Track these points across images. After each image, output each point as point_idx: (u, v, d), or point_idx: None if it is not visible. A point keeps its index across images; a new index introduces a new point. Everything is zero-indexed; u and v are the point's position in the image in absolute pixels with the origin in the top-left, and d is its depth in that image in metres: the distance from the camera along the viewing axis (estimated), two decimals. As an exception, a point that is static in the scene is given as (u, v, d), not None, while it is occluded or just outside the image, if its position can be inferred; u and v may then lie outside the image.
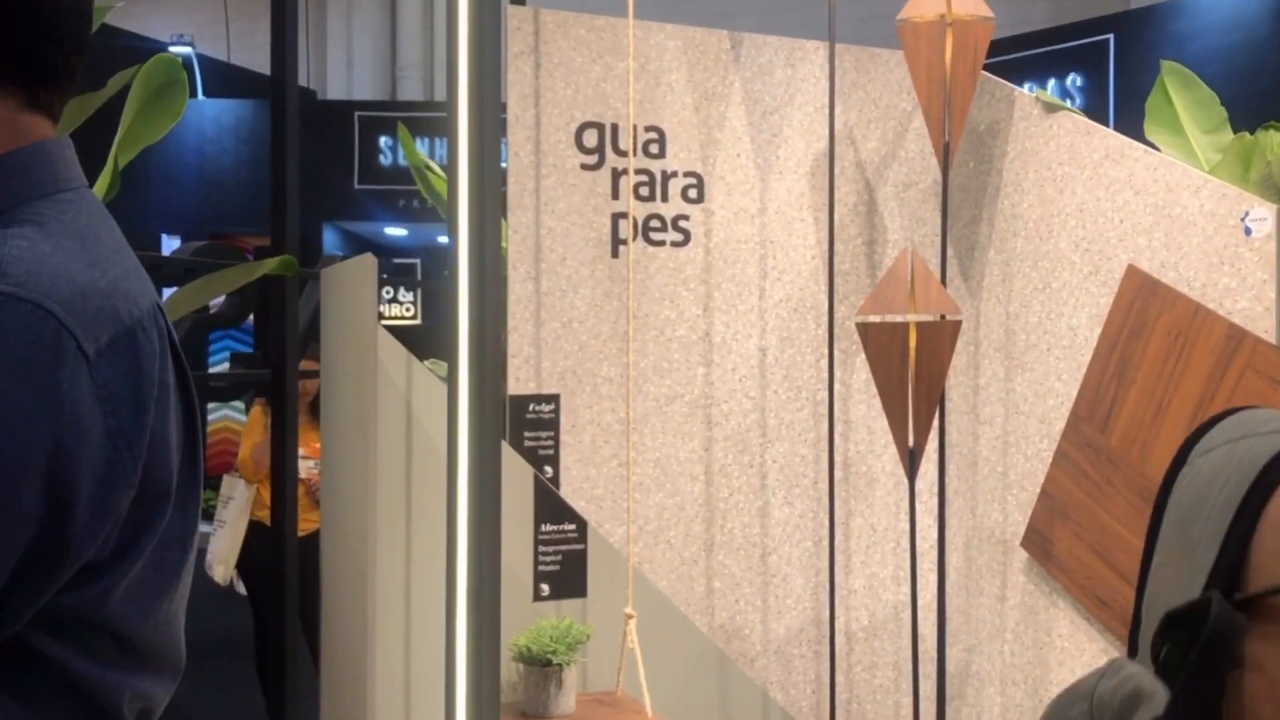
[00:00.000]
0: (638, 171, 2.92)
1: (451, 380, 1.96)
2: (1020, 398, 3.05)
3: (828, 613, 3.04)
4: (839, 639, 3.12)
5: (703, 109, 3.01)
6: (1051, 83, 8.31)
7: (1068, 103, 3.17)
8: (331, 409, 3.18)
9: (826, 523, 3.03)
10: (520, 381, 2.81)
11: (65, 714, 0.91)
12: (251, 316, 8.43)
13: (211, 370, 9.31)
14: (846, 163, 3.15)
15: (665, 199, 2.97)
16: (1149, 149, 2.83)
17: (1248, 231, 2.47)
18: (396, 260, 12.50)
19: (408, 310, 11.05)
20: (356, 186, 11.12)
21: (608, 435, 2.89)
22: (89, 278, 0.90)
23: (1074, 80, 8.36)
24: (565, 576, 2.78)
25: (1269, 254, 2.44)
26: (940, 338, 2.69)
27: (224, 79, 11.08)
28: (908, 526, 2.91)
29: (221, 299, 8.04)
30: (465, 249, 1.94)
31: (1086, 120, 2.94)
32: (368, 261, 2.65)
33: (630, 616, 2.65)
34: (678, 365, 2.98)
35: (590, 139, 2.88)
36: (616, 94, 2.90)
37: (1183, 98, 3.24)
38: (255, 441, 4.42)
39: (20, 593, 0.86)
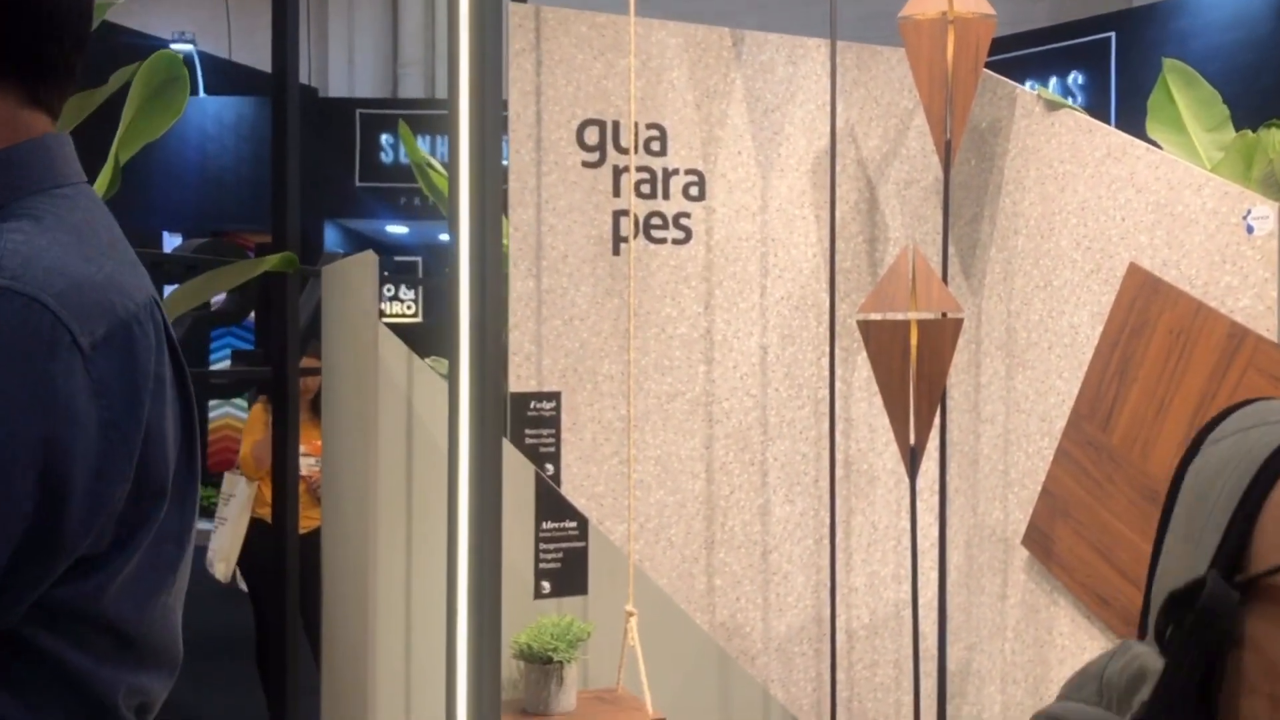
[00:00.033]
0: (639, 169, 2.92)
1: (452, 378, 1.96)
2: (1021, 396, 3.05)
3: (829, 611, 3.04)
4: (840, 637, 3.12)
5: (704, 106, 3.01)
6: (1053, 81, 8.30)
7: (1069, 101, 3.17)
8: (332, 406, 3.18)
9: (827, 520, 3.03)
10: (521, 379, 2.81)
11: (61, 708, 0.91)
12: (253, 314, 8.44)
13: (213, 367, 9.31)
14: (848, 160, 3.15)
15: (666, 196, 2.96)
16: (1151, 147, 2.82)
17: (1250, 230, 2.47)
18: (398, 258, 12.50)
19: (409, 308, 11.05)
20: (358, 184, 11.12)
21: (609, 433, 2.88)
22: (84, 271, 0.90)
23: (1075, 78, 8.35)
24: (566, 574, 2.78)
25: (1271, 252, 2.43)
26: (941, 336, 2.69)
27: (225, 76, 11.08)
28: (909, 524, 2.91)
29: (222, 296, 8.05)
30: (466, 246, 1.94)
31: (1088, 118, 2.93)
32: (368, 259, 2.65)
33: (631, 614, 2.65)
34: (679, 363, 2.98)
35: (591, 136, 2.88)
36: (618, 91, 2.90)
37: (1185, 96, 3.24)
38: (256, 439, 4.42)
39: (14, 586, 0.86)
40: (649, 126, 2.95)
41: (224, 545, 4.36)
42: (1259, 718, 0.54)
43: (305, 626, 3.99)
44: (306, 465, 4.09)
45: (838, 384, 3.09)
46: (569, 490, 2.83)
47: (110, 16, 2.76)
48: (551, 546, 2.77)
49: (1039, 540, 2.97)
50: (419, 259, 12.46)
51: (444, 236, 2.11)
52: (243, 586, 4.66)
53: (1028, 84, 3.22)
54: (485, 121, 1.95)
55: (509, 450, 2.62)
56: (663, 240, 2.96)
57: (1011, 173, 3.11)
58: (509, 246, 2.78)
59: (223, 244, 8.43)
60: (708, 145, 3.01)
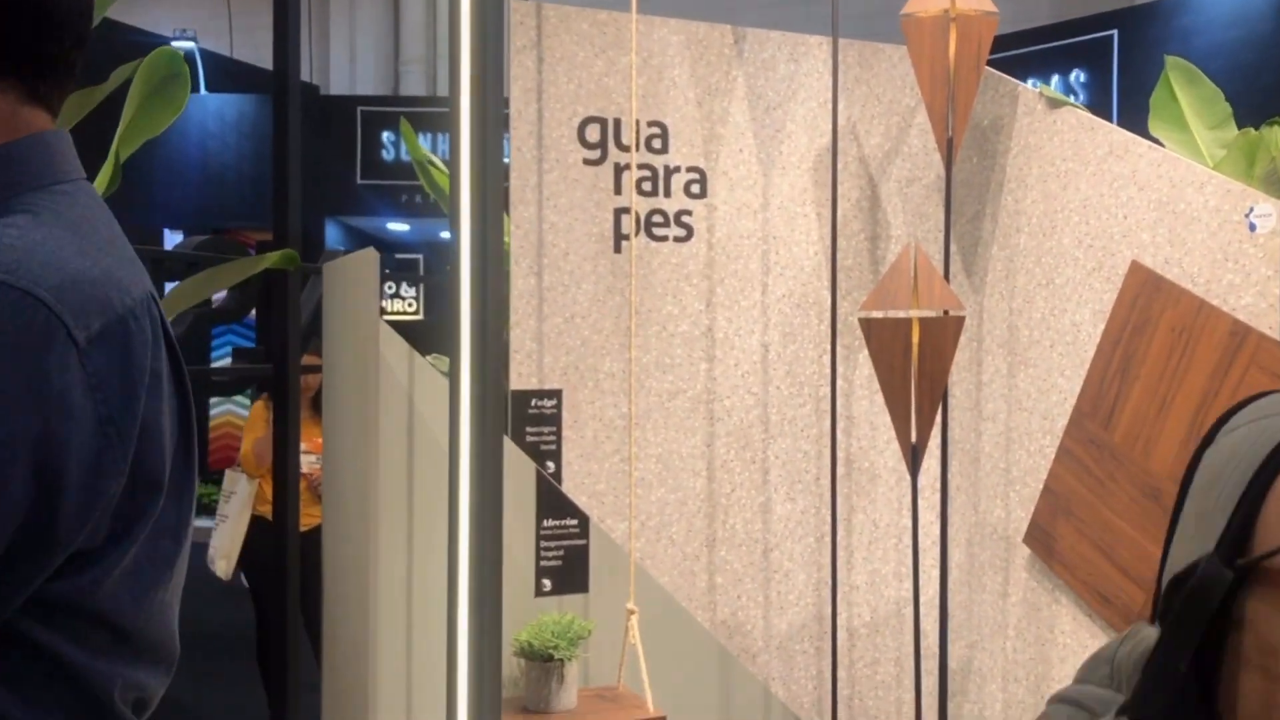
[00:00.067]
0: (640, 167, 2.92)
1: (453, 375, 1.96)
2: (1023, 394, 3.05)
3: (830, 609, 3.04)
4: (841, 635, 3.12)
5: (705, 104, 3.00)
6: (1055, 78, 8.29)
7: (1071, 99, 3.16)
8: (333, 404, 3.18)
9: (829, 518, 3.03)
10: (522, 377, 2.81)
11: (57, 702, 0.91)
12: (254, 311, 8.44)
13: (214, 365, 9.31)
14: (849, 158, 3.15)
15: (668, 194, 2.96)
16: (1153, 145, 2.82)
17: (1252, 227, 2.47)
18: (399, 255, 12.50)
19: (410, 305, 11.05)
20: (359, 181, 11.11)
21: (610, 430, 2.88)
22: (80, 266, 0.90)
23: (1077, 76, 8.34)
24: (567, 572, 2.77)
25: (1273, 250, 2.43)
26: (943, 333, 2.69)
27: (226, 74, 11.08)
28: (910, 522, 2.91)
29: (223, 294, 8.05)
30: (467, 244, 1.94)
31: (1090, 116, 2.93)
32: (369, 256, 2.65)
33: (632, 612, 2.65)
34: (680, 361, 2.98)
35: (593, 134, 2.87)
36: (619, 89, 2.89)
37: (1187, 93, 3.24)
38: (257, 436, 4.42)
39: (8, 579, 0.86)
40: (650, 124, 2.94)
41: (225, 543, 4.36)
42: (1253, 693, 0.55)
43: (306, 624, 3.99)
44: (307, 463, 4.09)
45: (839, 382, 3.09)
46: (570, 488, 2.83)
47: (111, 14, 2.76)
48: (552, 544, 2.77)
49: (1040, 538, 2.97)
50: (420, 256, 12.46)
51: (445, 234, 2.11)
52: (244, 584, 4.66)
53: (1030, 82, 3.22)
54: (486, 119, 1.94)
55: (510, 448, 2.62)
56: (664, 238, 2.96)
57: (1013, 170, 3.10)
58: (510, 244, 2.78)
59: (224, 241, 8.43)
60: (709, 143, 3.01)
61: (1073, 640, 2.90)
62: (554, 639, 2.55)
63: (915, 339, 2.68)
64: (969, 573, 3.20)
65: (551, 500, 2.76)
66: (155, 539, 0.96)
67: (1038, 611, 3.00)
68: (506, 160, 2.67)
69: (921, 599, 2.93)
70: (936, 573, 2.95)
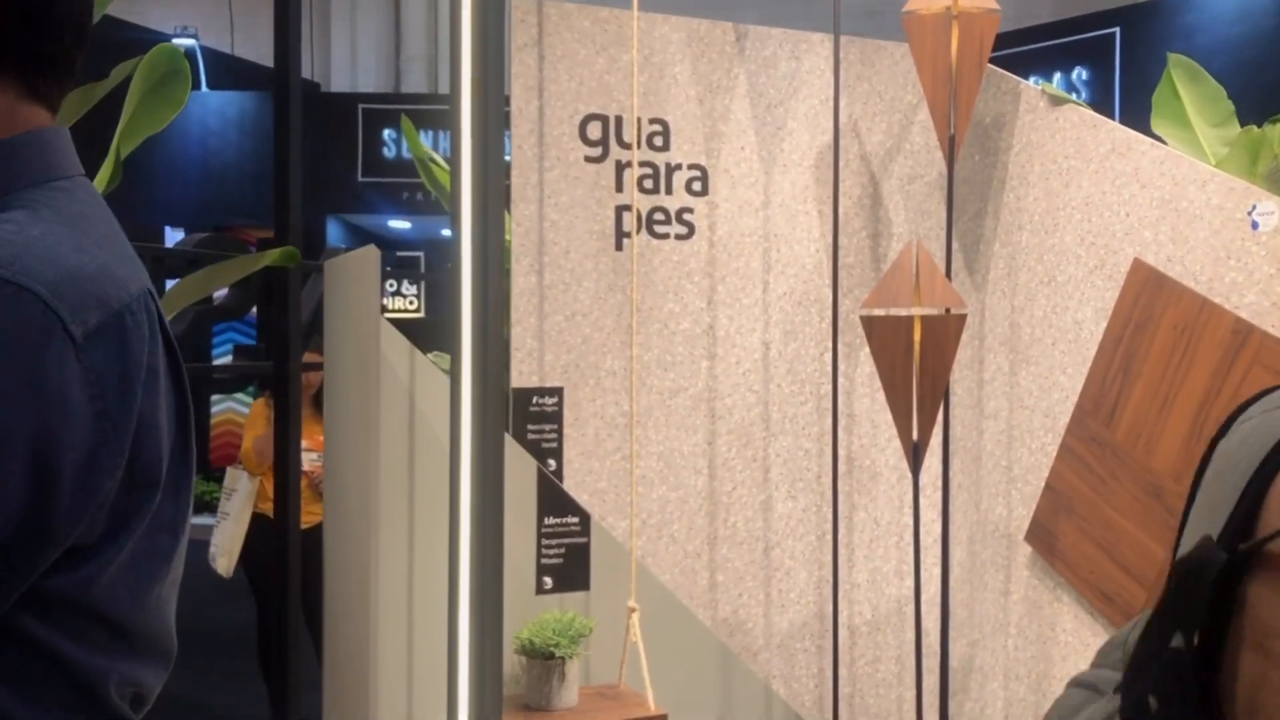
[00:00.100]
0: (641, 164, 2.91)
1: (455, 373, 1.96)
2: (1025, 392, 3.05)
3: (831, 607, 3.04)
4: (842, 633, 3.12)
5: (707, 101, 3.00)
6: (1057, 76, 8.28)
7: (1073, 96, 3.16)
8: (334, 402, 3.17)
9: (830, 517, 3.03)
10: (523, 374, 2.80)
11: (53, 697, 0.91)
12: (255, 309, 8.44)
13: (215, 363, 9.31)
14: (851, 156, 3.14)
15: (669, 192, 2.96)
16: (1155, 142, 2.82)
17: (1255, 225, 2.46)
18: (400, 253, 12.50)
19: (411, 303, 11.05)
20: (360, 179, 11.11)
21: (611, 428, 2.88)
22: (77, 261, 0.90)
23: (1079, 74, 8.33)
24: (568, 570, 2.77)
25: (1276, 248, 2.42)
26: (945, 331, 2.68)
27: (227, 71, 11.08)
28: (911, 521, 2.91)
29: (224, 291, 8.04)
30: (468, 242, 1.94)
31: (1093, 113, 2.92)
32: (370, 254, 2.64)
33: (633, 610, 2.65)
34: (681, 359, 2.97)
35: (594, 131, 2.87)
36: (620, 86, 2.89)
37: (1190, 91, 3.23)
38: (258, 434, 4.42)
39: (4, 574, 0.86)
40: (651, 121, 2.94)
41: (226, 540, 4.36)
42: (1251, 673, 0.57)
43: (307, 621, 3.99)
44: (309, 460, 4.09)
45: (840, 380, 3.08)
46: (571, 486, 2.83)
47: (113, 11, 2.75)
48: (553, 542, 2.77)
49: (1042, 536, 2.97)
50: (421, 254, 12.46)
51: (446, 231, 2.11)
52: (246, 581, 4.66)
53: (1032, 80, 3.21)
54: (487, 116, 1.94)
55: (511, 446, 2.62)
56: (665, 236, 2.95)
57: (1015, 168, 3.10)
58: (511, 242, 2.78)
59: (225, 239, 8.43)
60: (710, 140, 3.00)
61: (1074, 638, 2.89)
62: (555, 637, 2.55)
63: (917, 337, 2.68)
64: (970, 571, 3.20)
65: (553, 498, 2.76)
66: (152, 534, 0.96)
67: (1039, 610, 2.99)
68: (507, 158, 2.66)
69: (923, 597, 2.92)
70: (938, 571, 2.95)
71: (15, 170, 0.95)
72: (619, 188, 2.89)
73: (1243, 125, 3.18)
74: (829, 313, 3.07)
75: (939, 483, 2.95)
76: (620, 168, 2.89)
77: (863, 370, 3.15)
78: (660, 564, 2.95)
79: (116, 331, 0.90)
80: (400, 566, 2.59)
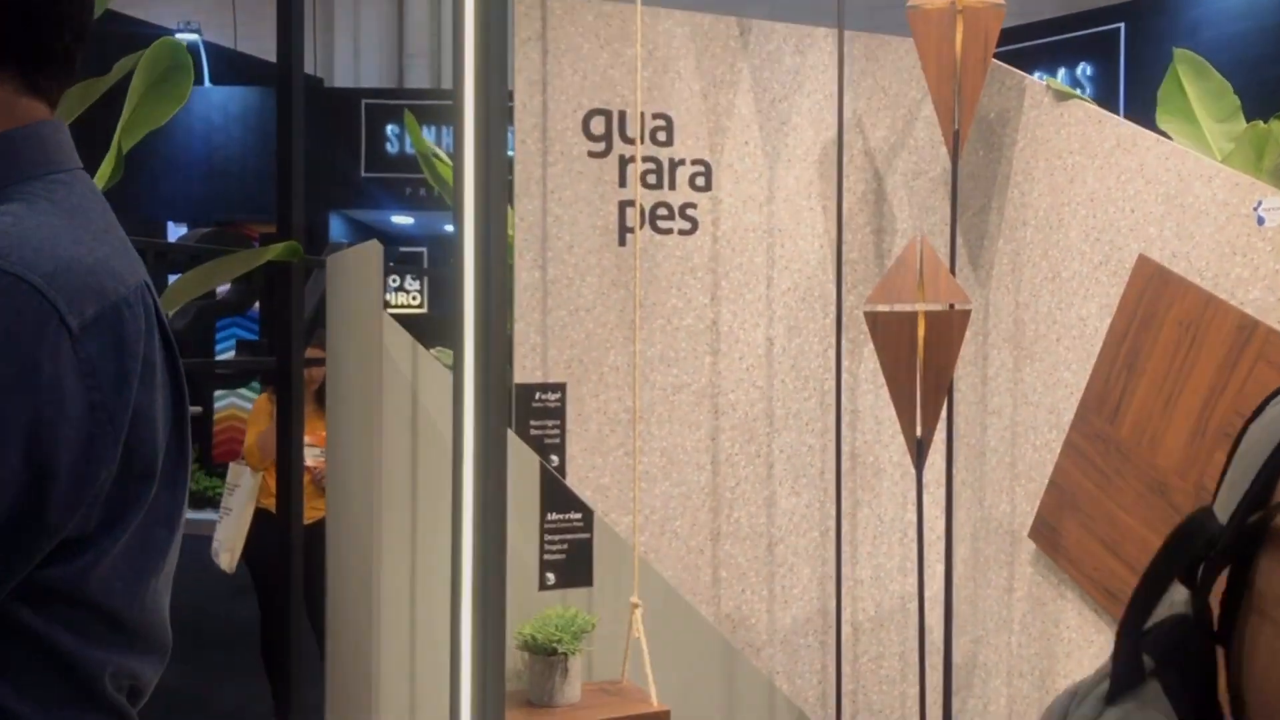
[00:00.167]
0: (645, 159, 2.91)
1: (457, 368, 1.96)
2: (1029, 388, 3.04)
3: (834, 603, 3.03)
4: (845, 629, 3.11)
5: (711, 96, 2.99)
6: (1061, 72, 8.27)
7: (1078, 92, 3.15)
8: (337, 397, 3.17)
9: (833, 513, 3.02)
10: (526, 370, 2.80)
11: (47, 687, 0.91)
12: (257, 304, 8.43)
13: (218, 358, 9.32)
14: (855, 151, 3.14)
15: (673, 187, 2.95)
16: (1161, 138, 2.81)
17: (1260, 221, 2.45)
18: (403, 248, 12.51)
19: (414, 299, 11.05)
20: (363, 174, 11.11)
21: (614, 424, 2.88)
22: (74, 253, 0.90)
23: (1084, 69, 8.32)
24: (571, 565, 2.77)
25: (1282, 244, 2.41)
26: (949, 327, 2.68)
27: (230, 66, 11.08)
28: (915, 517, 2.90)
29: (227, 286, 8.04)
30: (471, 237, 1.94)
31: (1097, 109, 2.91)
32: (373, 248, 2.64)
33: (636, 606, 2.65)
34: (684, 354, 2.97)
35: (597, 126, 2.86)
36: (624, 81, 2.88)
37: (1195, 86, 3.22)
38: (261, 429, 4.42)
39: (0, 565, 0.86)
40: (655, 116, 2.93)
41: (229, 536, 4.36)
42: (1258, 639, 0.58)
43: (310, 616, 3.99)
44: (312, 456, 4.09)
45: (844, 376, 3.08)
46: (574, 482, 2.82)
47: (115, 6, 2.75)
48: (556, 538, 2.76)
49: (1046, 533, 2.96)
50: (424, 249, 12.46)
51: (449, 227, 2.11)
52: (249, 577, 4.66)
53: (1036, 75, 3.20)
54: (490, 111, 1.94)
55: (514, 441, 2.62)
56: (669, 231, 2.95)
57: (1020, 164, 3.09)
58: (514, 237, 2.77)
59: (227, 234, 8.43)
60: (714, 135, 2.99)
61: (1078, 636, 2.89)
62: (558, 632, 2.55)
63: (921, 333, 2.67)
64: (974, 568, 3.20)
65: (555, 494, 2.76)
66: (148, 527, 0.97)
67: (1043, 607, 2.99)
68: (511, 153, 2.66)
69: (926, 594, 2.92)
70: (941, 567, 2.94)
71: (14, 163, 0.95)
72: (622, 183, 2.88)
73: (1248, 120, 3.17)
74: (833, 308, 3.06)
75: (942, 479, 2.95)
76: (624, 163, 2.88)
77: (866, 366, 3.14)
78: (663, 560, 2.94)
79: (113, 323, 0.90)
80: (403, 562, 2.59)
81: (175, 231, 10.75)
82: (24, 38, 0.95)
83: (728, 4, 3.35)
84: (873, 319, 2.73)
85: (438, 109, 10.09)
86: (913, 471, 2.81)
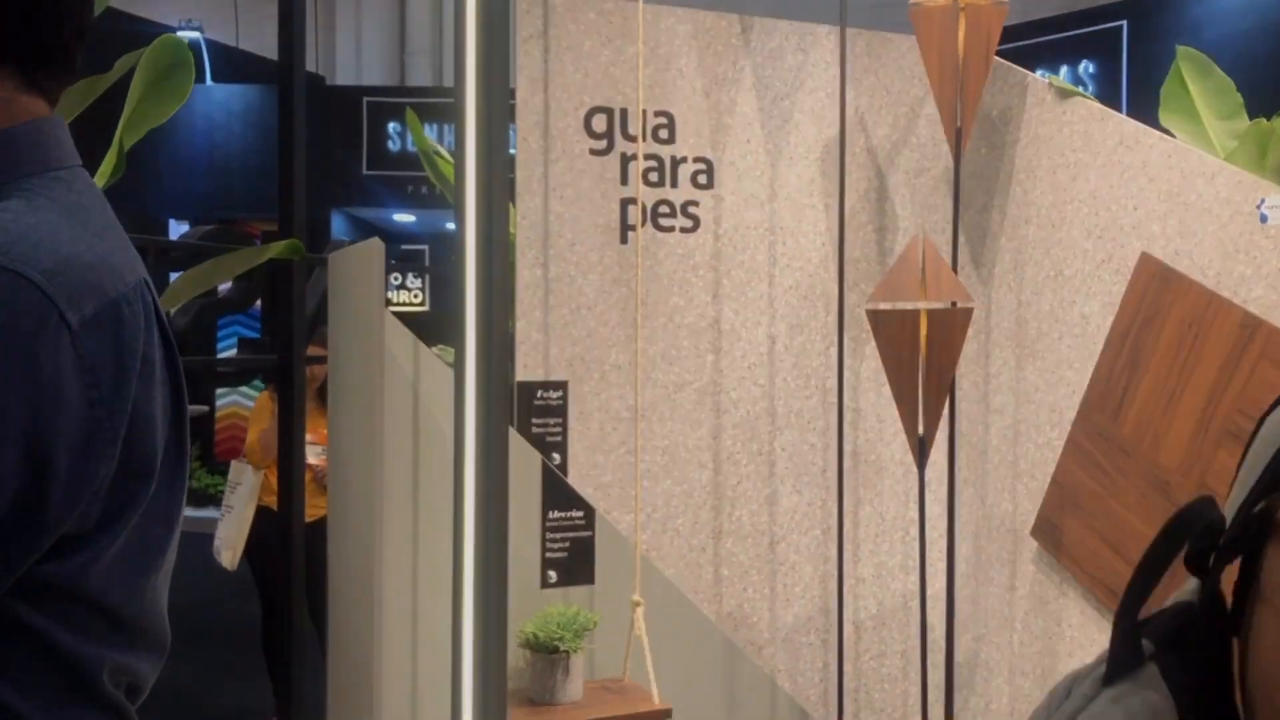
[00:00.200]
0: (647, 157, 2.90)
1: (459, 366, 1.95)
2: (1031, 386, 3.03)
3: (836, 601, 3.03)
4: (847, 628, 3.11)
5: (713, 94, 2.99)
6: (1064, 69, 8.26)
7: (1081, 90, 3.14)
8: (339, 395, 3.17)
9: (835, 511, 3.02)
10: (528, 368, 2.80)
11: (46, 684, 0.92)
12: (259, 302, 8.43)
13: (220, 355, 9.32)
14: (857, 149, 3.13)
15: (675, 185, 2.95)
16: (1164, 136, 2.80)
17: (1263, 219, 2.45)
18: (404, 246, 12.50)
19: (416, 296, 11.05)
20: (365, 172, 11.11)
21: (616, 422, 2.87)
22: (74, 250, 0.90)
23: (1086, 67, 8.31)
24: (573, 563, 2.77)
25: (1285, 242, 2.41)
26: (951, 325, 2.67)
27: (232, 64, 11.08)
28: (917, 515, 2.90)
29: (229, 284, 8.04)
30: (473, 235, 1.93)
31: (1100, 106, 2.91)
32: (375, 246, 2.64)
33: (638, 604, 2.64)
34: (686, 352, 2.96)
35: (599, 124, 2.86)
36: (626, 78, 2.88)
37: (1198, 84, 3.21)
38: (262, 427, 4.42)
39: None
40: (657, 114, 2.93)
41: (230, 534, 4.36)
42: (1262, 626, 0.58)
43: (312, 614, 3.99)
44: (314, 453, 4.09)
45: (846, 374, 3.07)
46: (576, 480, 2.82)
47: (116, 4, 2.75)
48: (558, 536, 2.76)
49: (1048, 532, 2.96)
50: (426, 247, 12.45)
51: (451, 225, 2.10)
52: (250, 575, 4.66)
53: (1038, 73, 3.20)
54: (492, 109, 1.93)
55: (516, 439, 2.61)
56: (670, 229, 2.94)
57: (1022, 161, 3.09)
58: (516, 235, 2.77)
59: (229, 231, 8.43)
60: (716, 133, 2.99)
61: (1080, 634, 2.88)
62: (559, 631, 2.55)
63: (923, 331, 2.67)
64: (976, 566, 3.19)
65: (557, 492, 2.76)
66: (146, 525, 0.97)
67: (1045, 605, 2.98)
68: (512, 151, 2.65)
69: (928, 592, 2.92)
70: (943, 566, 2.94)
71: (13, 160, 0.95)
72: (624, 181, 2.88)
73: (1251, 118, 3.16)
74: (835, 307, 3.06)
75: (944, 478, 2.95)
76: (625, 160, 2.88)
77: (868, 364, 3.14)
78: (665, 558, 2.94)
79: (112, 320, 0.90)
80: (404, 560, 2.59)
81: (177, 229, 10.75)
82: (24, 35, 0.95)
83: (730, 1, 3.35)
84: (875, 317, 2.73)
85: (439, 107, 10.09)
86: (915, 470, 2.81)
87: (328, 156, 10.07)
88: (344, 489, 3.09)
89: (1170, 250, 2.65)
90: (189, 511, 1.05)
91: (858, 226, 3.14)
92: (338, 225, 11.67)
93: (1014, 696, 3.10)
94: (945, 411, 2.77)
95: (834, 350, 3.07)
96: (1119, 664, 0.62)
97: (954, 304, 2.69)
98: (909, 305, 2.68)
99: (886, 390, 2.89)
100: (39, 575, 0.89)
